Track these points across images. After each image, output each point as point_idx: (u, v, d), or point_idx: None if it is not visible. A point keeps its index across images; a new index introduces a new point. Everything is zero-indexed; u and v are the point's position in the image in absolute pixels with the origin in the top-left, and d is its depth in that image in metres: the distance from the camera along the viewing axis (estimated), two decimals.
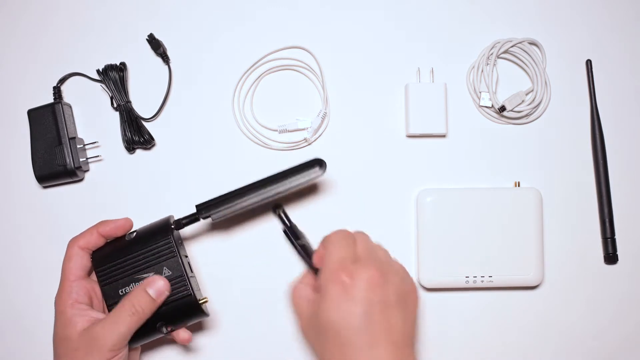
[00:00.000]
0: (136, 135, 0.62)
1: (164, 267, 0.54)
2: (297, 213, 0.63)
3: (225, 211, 0.55)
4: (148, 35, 0.64)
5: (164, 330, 0.54)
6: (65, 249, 0.62)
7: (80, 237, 0.54)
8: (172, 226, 0.55)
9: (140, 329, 0.52)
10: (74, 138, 0.62)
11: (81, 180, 0.63)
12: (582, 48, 0.65)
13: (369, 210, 0.63)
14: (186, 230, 0.62)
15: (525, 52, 0.64)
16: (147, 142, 0.63)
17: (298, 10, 0.65)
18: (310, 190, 0.63)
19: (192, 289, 0.53)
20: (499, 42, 0.64)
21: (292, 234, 0.51)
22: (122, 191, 0.63)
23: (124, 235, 0.55)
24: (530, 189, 0.62)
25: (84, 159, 0.62)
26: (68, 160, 0.61)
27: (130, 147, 0.63)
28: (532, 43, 0.64)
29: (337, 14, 0.65)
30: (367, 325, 0.44)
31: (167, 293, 0.52)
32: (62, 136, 0.61)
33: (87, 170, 0.64)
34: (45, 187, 0.63)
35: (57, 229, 0.63)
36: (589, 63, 0.65)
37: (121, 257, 0.54)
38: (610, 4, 0.66)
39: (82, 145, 0.63)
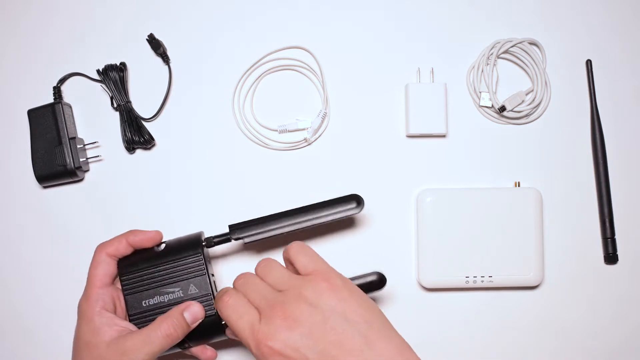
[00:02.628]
0: (136, 135, 0.62)
1: (191, 284, 0.53)
2: None
3: (258, 235, 0.55)
4: (148, 35, 0.64)
5: (183, 346, 0.53)
6: (65, 249, 0.63)
7: (108, 244, 0.54)
8: (204, 243, 0.55)
9: None
10: (74, 138, 0.62)
11: (81, 180, 0.63)
12: (582, 48, 0.65)
13: (369, 210, 0.63)
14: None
15: (525, 52, 0.64)
16: (147, 142, 0.63)
17: (298, 10, 0.65)
18: (310, 190, 0.63)
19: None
20: (499, 42, 0.64)
21: None
22: (122, 191, 0.63)
23: (152, 248, 0.55)
24: (530, 189, 0.62)
25: (84, 159, 0.62)
26: (68, 160, 0.61)
27: (130, 147, 0.63)
28: (532, 43, 0.64)
29: (337, 14, 0.65)
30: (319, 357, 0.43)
31: (201, 319, 0.52)
32: (62, 136, 0.61)
33: (87, 170, 0.64)
34: (45, 187, 0.63)
35: (57, 229, 0.63)
36: (589, 63, 0.65)
37: (148, 268, 0.54)
38: (610, 4, 0.66)
39: (82, 145, 0.63)
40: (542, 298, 0.63)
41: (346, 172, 0.63)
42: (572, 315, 0.63)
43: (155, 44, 0.64)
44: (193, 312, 0.52)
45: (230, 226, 0.56)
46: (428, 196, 0.61)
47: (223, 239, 0.56)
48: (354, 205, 0.57)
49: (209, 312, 0.53)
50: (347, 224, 0.63)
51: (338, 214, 0.56)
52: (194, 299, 0.53)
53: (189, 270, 0.54)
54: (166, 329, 0.50)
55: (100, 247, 0.54)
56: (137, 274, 0.54)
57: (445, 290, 0.62)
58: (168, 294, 0.53)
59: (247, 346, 0.46)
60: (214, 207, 0.63)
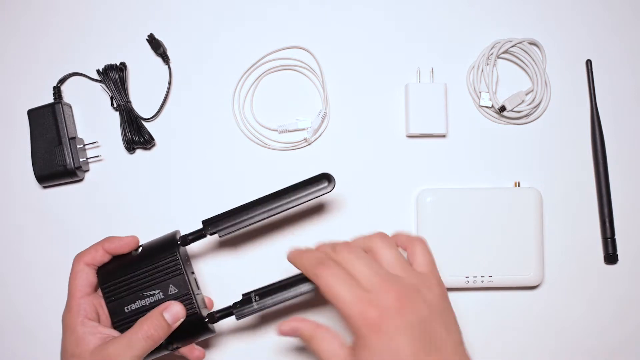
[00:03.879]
0: (136, 135, 0.62)
1: (170, 285, 0.53)
2: (296, 214, 0.63)
3: (232, 227, 0.54)
4: (148, 35, 0.64)
5: (170, 347, 0.53)
6: (65, 249, 0.62)
7: (85, 253, 0.54)
8: (179, 242, 0.54)
9: None
10: (74, 138, 0.62)
11: (81, 180, 0.63)
12: (582, 48, 0.65)
13: (369, 210, 0.63)
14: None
15: (525, 52, 0.64)
16: (147, 142, 0.63)
17: (298, 10, 0.65)
18: None
19: (198, 307, 0.53)
20: (499, 42, 0.64)
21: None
22: (122, 191, 0.63)
23: (129, 253, 0.55)
24: (530, 189, 0.62)
25: (84, 159, 0.62)
26: (68, 160, 0.61)
27: (130, 147, 0.63)
28: (532, 43, 0.64)
29: (337, 14, 0.65)
30: (415, 351, 0.42)
31: (182, 318, 0.52)
32: (62, 136, 0.61)
33: (87, 170, 0.64)
34: (45, 187, 0.63)
35: (57, 229, 0.63)
36: (589, 63, 0.65)
37: (127, 274, 0.53)
38: (610, 4, 0.66)
39: (82, 145, 0.63)
40: (542, 298, 0.63)
41: (346, 172, 0.63)
42: (572, 315, 0.63)
43: (155, 44, 0.64)
44: (173, 312, 0.51)
45: (203, 221, 0.55)
46: (428, 196, 0.61)
47: (197, 235, 0.55)
48: (325, 184, 0.55)
49: (190, 310, 0.52)
50: (347, 224, 0.63)
51: (310, 194, 0.54)
52: (175, 298, 0.52)
53: (166, 271, 0.53)
54: (146, 331, 0.50)
55: (78, 257, 0.54)
56: (116, 281, 0.53)
57: None
58: (149, 297, 0.53)
59: (346, 315, 0.44)
60: (214, 207, 0.63)
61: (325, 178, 0.55)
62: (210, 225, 0.54)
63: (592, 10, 0.65)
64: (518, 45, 0.64)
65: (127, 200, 0.63)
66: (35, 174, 0.61)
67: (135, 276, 0.53)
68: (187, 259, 0.56)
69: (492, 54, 0.63)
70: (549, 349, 0.62)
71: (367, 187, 0.63)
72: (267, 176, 0.63)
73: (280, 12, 0.65)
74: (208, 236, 0.55)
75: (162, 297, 0.53)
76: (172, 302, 0.52)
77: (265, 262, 0.62)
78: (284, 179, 0.63)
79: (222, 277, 0.62)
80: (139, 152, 0.64)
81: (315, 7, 0.65)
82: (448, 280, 0.61)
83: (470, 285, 0.61)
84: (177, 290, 0.53)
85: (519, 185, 0.63)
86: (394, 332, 0.42)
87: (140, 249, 0.55)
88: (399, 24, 0.65)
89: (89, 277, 0.53)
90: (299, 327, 0.47)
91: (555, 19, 0.65)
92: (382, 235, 0.49)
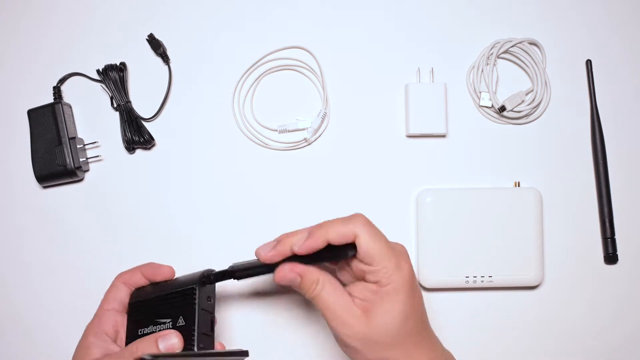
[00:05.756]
0: (136, 135, 0.62)
1: (180, 316, 0.51)
2: (295, 214, 0.63)
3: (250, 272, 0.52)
4: (148, 35, 0.64)
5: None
6: (65, 249, 0.63)
7: (125, 272, 0.54)
8: (204, 279, 0.52)
9: None
10: (74, 138, 0.62)
11: (81, 180, 0.63)
12: (582, 48, 0.65)
13: (369, 210, 0.63)
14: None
15: (525, 52, 0.64)
16: (147, 142, 0.63)
17: (298, 10, 0.65)
18: (310, 190, 0.63)
19: (196, 345, 0.50)
20: (499, 42, 0.64)
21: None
22: (122, 191, 0.63)
23: (165, 281, 0.54)
24: (530, 189, 0.62)
25: (84, 159, 0.62)
26: (68, 160, 0.61)
27: (130, 147, 0.63)
28: (532, 43, 0.64)
29: (337, 14, 0.65)
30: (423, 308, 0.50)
31: (178, 350, 0.50)
32: (62, 136, 0.61)
33: (87, 170, 0.64)
34: (45, 187, 0.63)
35: (57, 229, 0.63)
36: (589, 63, 0.65)
37: (150, 298, 0.53)
38: (610, 4, 0.66)
39: (82, 145, 0.63)
40: (542, 298, 0.63)
41: (346, 172, 0.63)
42: (572, 315, 0.63)
43: (155, 44, 0.64)
44: (168, 343, 0.50)
45: (230, 266, 0.53)
46: (428, 196, 0.61)
47: (221, 274, 0.53)
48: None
49: (189, 345, 0.50)
50: None
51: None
52: (179, 330, 0.51)
53: (182, 302, 0.52)
54: (135, 352, 0.49)
55: (119, 274, 0.54)
56: (140, 303, 0.54)
57: (445, 290, 0.62)
58: (159, 324, 0.52)
59: (380, 266, 0.47)
60: (214, 207, 0.63)
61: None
62: (239, 271, 0.52)
63: (592, 10, 0.65)
64: (518, 45, 0.64)
65: (127, 200, 0.63)
66: (35, 174, 0.61)
67: (155, 302, 0.53)
68: (210, 299, 0.53)
69: (492, 54, 0.63)
70: (549, 349, 0.62)
71: (367, 187, 0.63)
72: (267, 176, 0.63)
73: (280, 12, 0.65)
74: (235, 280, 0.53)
75: (170, 326, 0.52)
76: (173, 332, 0.50)
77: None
78: (284, 179, 0.63)
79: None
80: (139, 152, 0.64)
81: (315, 7, 0.65)
82: (448, 280, 0.61)
83: (470, 285, 0.61)
84: (184, 323, 0.51)
85: (519, 185, 0.63)
86: (416, 289, 0.49)
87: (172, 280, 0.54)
88: (399, 24, 0.65)
89: (121, 293, 0.54)
90: (302, 273, 0.48)
91: (555, 19, 0.65)
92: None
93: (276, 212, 0.63)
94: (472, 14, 0.65)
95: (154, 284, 0.54)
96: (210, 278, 0.53)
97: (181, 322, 0.51)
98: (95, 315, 0.53)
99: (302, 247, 0.47)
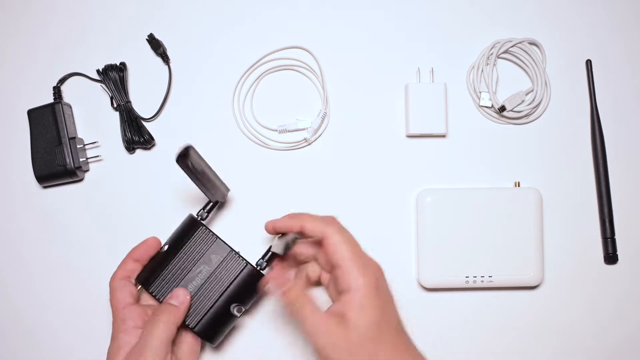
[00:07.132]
0: (136, 135, 0.62)
1: (211, 255, 0.55)
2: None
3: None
4: (148, 35, 0.64)
5: (237, 313, 0.54)
6: (65, 249, 0.63)
7: (117, 271, 0.55)
8: (199, 218, 0.56)
9: (215, 321, 0.53)
10: (74, 138, 0.62)
11: (81, 180, 0.63)
12: (582, 48, 0.65)
13: (369, 210, 0.63)
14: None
15: (525, 52, 0.64)
16: (147, 142, 0.63)
17: (298, 10, 0.65)
18: (310, 190, 0.63)
19: (246, 260, 0.54)
20: (499, 42, 0.64)
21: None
22: (122, 191, 0.63)
23: (158, 252, 0.56)
24: (530, 189, 0.62)
25: (84, 159, 0.62)
26: (68, 160, 0.61)
27: (130, 147, 0.63)
28: (532, 43, 0.64)
29: (337, 14, 0.65)
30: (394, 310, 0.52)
31: (188, 298, 0.53)
32: (62, 136, 0.61)
33: (87, 170, 0.64)
34: (45, 187, 0.63)
35: (57, 229, 0.63)
36: (589, 63, 0.65)
37: (166, 269, 0.55)
38: (610, 4, 0.66)
39: (82, 145, 0.63)
40: (542, 298, 0.63)
41: (346, 172, 0.63)
42: (572, 315, 0.63)
43: (155, 44, 0.64)
44: (176, 295, 0.53)
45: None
46: (428, 196, 0.61)
47: (210, 207, 0.57)
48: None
49: (241, 266, 0.54)
50: (346, 224, 0.63)
51: None
52: (221, 264, 0.54)
53: (202, 246, 0.55)
54: (160, 318, 0.52)
55: (111, 277, 0.55)
56: (159, 279, 0.55)
57: (445, 290, 0.62)
58: (197, 277, 0.54)
59: (348, 269, 0.50)
60: (214, 207, 0.63)
61: None
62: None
63: (592, 10, 0.65)
64: (518, 45, 0.64)
65: (127, 200, 0.63)
66: (35, 174, 0.61)
67: (175, 266, 0.55)
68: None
69: (492, 54, 0.63)
70: (549, 349, 0.62)
71: (367, 187, 0.63)
72: (267, 176, 0.63)
73: (280, 12, 0.65)
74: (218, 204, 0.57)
75: (209, 268, 0.54)
76: (175, 289, 0.54)
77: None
78: (284, 178, 0.63)
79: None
80: (139, 152, 0.64)
81: (315, 7, 0.65)
82: (448, 280, 0.61)
83: (470, 285, 0.61)
84: (220, 257, 0.54)
85: (519, 185, 0.63)
86: (385, 290, 0.51)
87: (167, 246, 0.56)
88: (399, 24, 0.65)
89: (127, 288, 0.54)
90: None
91: (555, 19, 0.65)
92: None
93: (276, 212, 0.63)
94: (472, 14, 0.65)
95: (150, 263, 0.56)
96: (204, 216, 0.57)
97: (215, 258, 0.55)
98: (115, 319, 0.54)
99: (281, 221, 0.54)
